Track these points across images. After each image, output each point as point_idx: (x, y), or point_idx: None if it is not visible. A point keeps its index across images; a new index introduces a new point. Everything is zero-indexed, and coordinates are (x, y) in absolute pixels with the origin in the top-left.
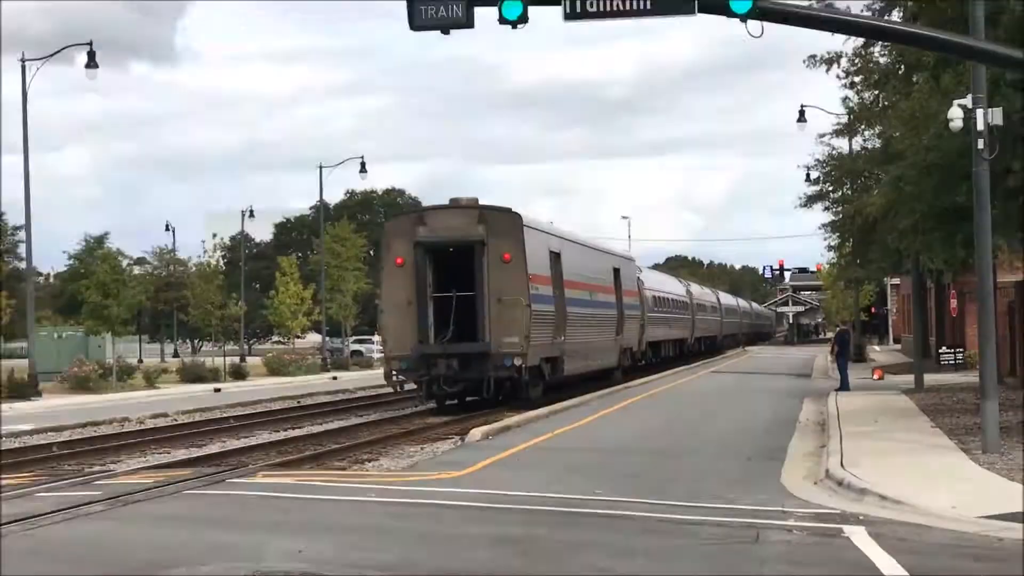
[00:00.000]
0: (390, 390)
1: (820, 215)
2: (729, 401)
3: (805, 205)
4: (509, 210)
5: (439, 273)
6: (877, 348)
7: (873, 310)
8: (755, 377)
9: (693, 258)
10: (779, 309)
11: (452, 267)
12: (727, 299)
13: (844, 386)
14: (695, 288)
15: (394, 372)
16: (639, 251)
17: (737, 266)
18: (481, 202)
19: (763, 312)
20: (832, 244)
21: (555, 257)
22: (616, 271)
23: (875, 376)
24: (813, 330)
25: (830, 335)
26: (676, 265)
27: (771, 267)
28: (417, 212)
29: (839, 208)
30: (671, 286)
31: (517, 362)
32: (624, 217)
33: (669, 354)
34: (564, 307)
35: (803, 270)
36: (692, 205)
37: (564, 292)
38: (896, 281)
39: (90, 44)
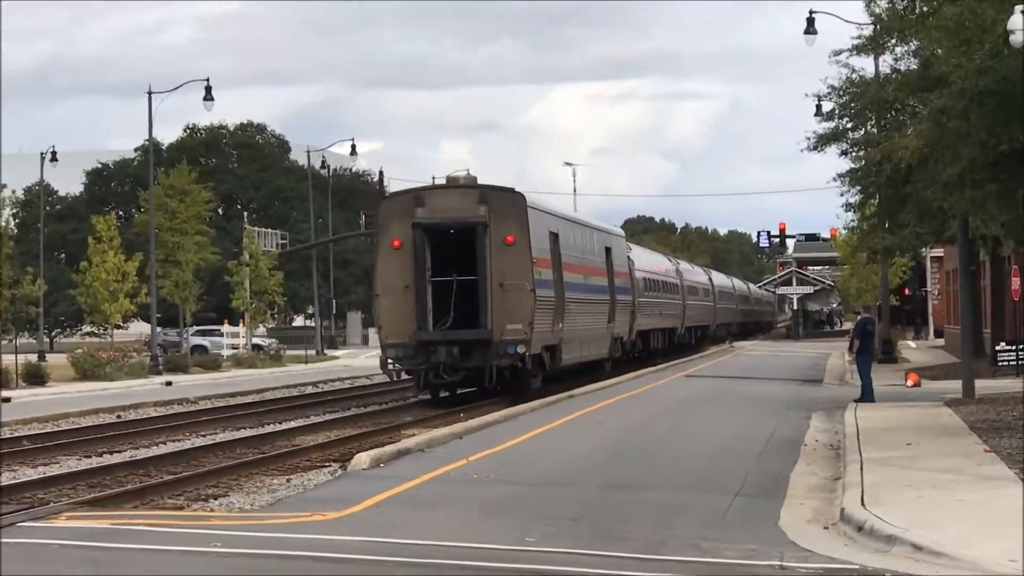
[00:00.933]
0: (245, 400)
1: (835, 162)
2: (714, 412)
3: (815, 148)
4: (512, 190)
5: (438, 256)
6: (912, 344)
7: (906, 291)
8: (747, 382)
9: (663, 220)
10: (779, 290)
11: (452, 250)
12: (721, 280)
13: (866, 395)
14: (685, 266)
15: (390, 360)
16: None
17: (722, 231)
18: (481, 181)
19: (763, 296)
20: (851, 202)
21: (554, 238)
22: (607, 251)
23: (909, 382)
24: (825, 319)
25: (848, 326)
26: (639, 230)
27: (768, 233)
28: (414, 192)
29: (861, 152)
30: (661, 265)
31: (520, 350)
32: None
33: (658, 346)
34: (563, 292)
35: (811, 237)
36: (661, 148)
37: (563, 276)
38: (938, 252)
39: None
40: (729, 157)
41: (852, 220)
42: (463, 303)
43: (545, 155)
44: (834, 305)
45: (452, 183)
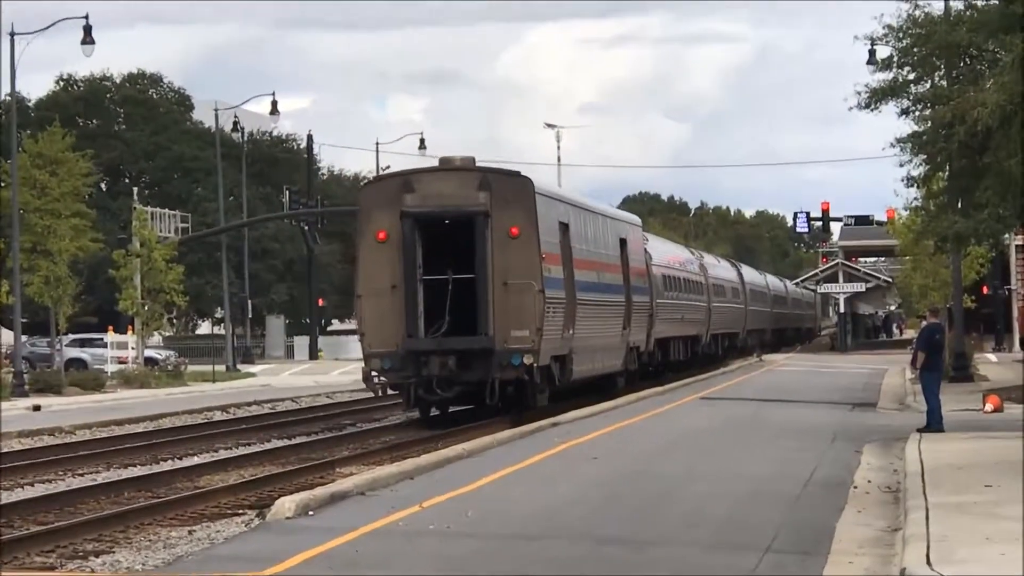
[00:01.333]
0: (135, 430)
1: (893, 123)
2: (738, 446)
3: (867, 106)
4: (518, 174)
5: (431, 251)
6: (992, 357)
7: (985, 290)
8: (781, 407)
9: (673, 198)
10: (821, 288)
11: (447, 243)
12: (752, 276)
13: (934, 423)
14: (709, 260)
15: (374, 373)
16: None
17: (748, 212)
18: (479, 163)
19: (803, 296)
20: (914, 175)
21: (564, 229)
22: (622, 243)
23: (988, 406)
24: (881, 325)
25: (910, 335)
26: (643, 210)
27: (807, 215)
28: (402, 175)
29: (926, 111)
30: (682, 259)
31: (527, 360)
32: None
33: (679, 357)
34: (574, 293)
35: (863, 220)
36: (670, 105)
37: (574, 274)
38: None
39: None
40: (757, 118)
41: (915, 198)
42: (460, 306)
43: (521, 114)
44: (892, 307)
45: (447, 165)
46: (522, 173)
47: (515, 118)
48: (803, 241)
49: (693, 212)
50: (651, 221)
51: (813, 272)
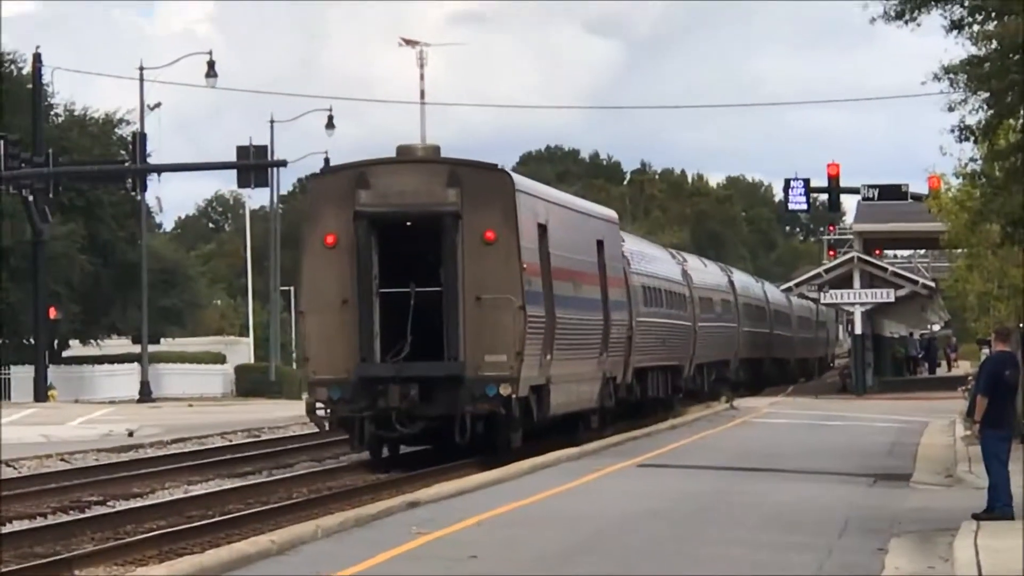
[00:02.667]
0: None
1: (938, 43)
2: (689, 548)
3: (900, 16)
4: (495, 167)
5: (390, 259)
6: None
7: None
8: (763, 481)
9: (597, 155)
10: (826, 297)
11: (409, 250)
12: (745, 282)
13: (999, 505)
14: (693, 264)
15: (319, 404)
16: (452, 133)
17: (715, 179)
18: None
19: (808, 312)
20: (970, 123)
21: (542, 232)
22: (599, 245)
23: None
24: (919, 354)
25: (964, 369)
26: (551, 174)
27: (804, 184)
28: (356, 167)
29: (990, 23)
30: (662, 263)
31: (504, 391)
32: (409, 43)
33: (658, 392)
34: (554, 310)
35: (891, 192)
36: (590, 13)
37: (553, 286)
38: None
39: None
40: (726, 33)
41: (972, 159)
42: (424, 325)
43: (361, 26)
44: (937, 327)
45: (408, 156)
46: (500, 166)
47: (352, 31)
48: (800, 224)
49: (629, 178)
50: (565, 188)
51: (813, 272)
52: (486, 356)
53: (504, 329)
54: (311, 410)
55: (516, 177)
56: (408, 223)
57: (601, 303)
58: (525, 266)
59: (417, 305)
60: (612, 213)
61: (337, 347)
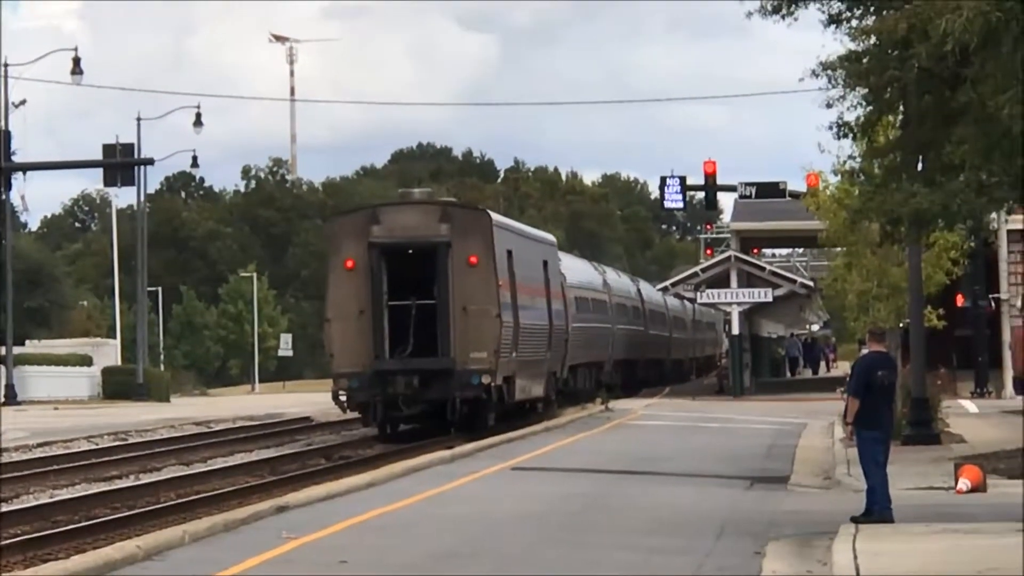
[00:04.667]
0: None
1: (816, 38)
2: (567, 546)
3: (776, 10)
4: (476, 207)
5: (395, 278)
6: (969, 404)
7: (959, 301)
8: (641, 483)
9: (470, 153)
10: (702, 297)
11: (411, 271)
12: (650, 292)
13: (877, 509)
14: (611, 276)
15: (341, 392)
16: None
17: (590, 176)
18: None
19: (703, 316)
20: (848, 119)
21: (509, 256)
22: (544, 264)
23: (962, 482)
24: (798, 354)
25: (843, 369)
26: (424, 171)
27: (680, 181)
28: (369, 208)
29: (868, 20)
30: (589, 277)
31: (485, 380)
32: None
33: (585, 385)
34: (518, 317)
35: (769, 190)
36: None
37: (518, 299)
38: (1021, 224)
39: None
40: (600, 27)
41: (851, 157)
42: (423, 329)
43: (232, 21)
44: (815, 326)
45: (410, 199)
46: (480, 207)
47: (223, 26)
48: (676, 223)
49: (503, 176)
50: (437, 187)
51: (690, 271)
52: (471, 353)
53: (485, 332)
54: (335, 395)
55: (493, 215)
56: (410, 251)
57: (547, 311)
58: (500, 283)
59: (417, 314)
60: (552, 238)
61: (355, 347)
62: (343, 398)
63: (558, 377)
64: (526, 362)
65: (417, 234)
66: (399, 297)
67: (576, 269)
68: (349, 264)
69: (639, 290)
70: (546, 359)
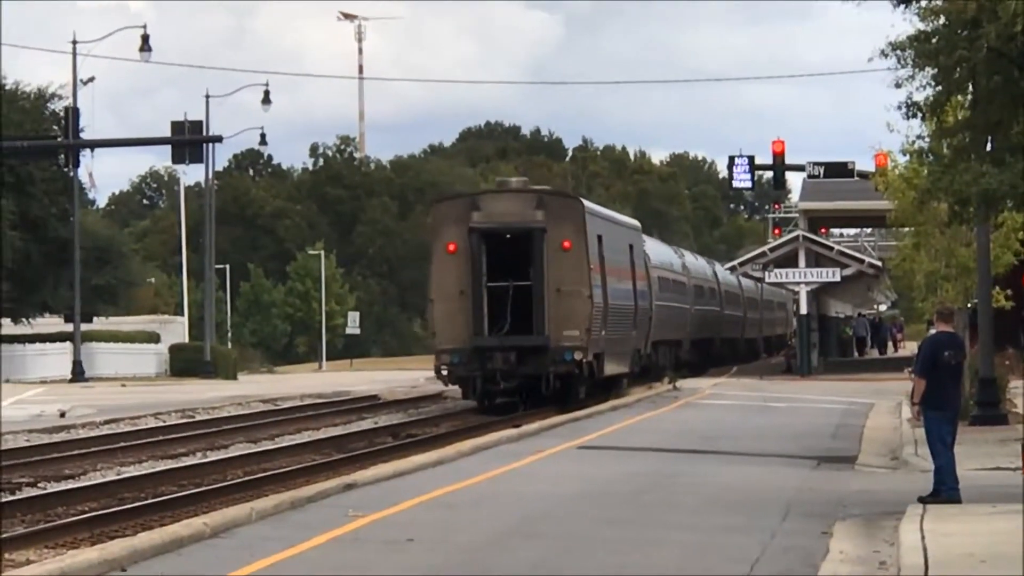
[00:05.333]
0: None
1: (885, 18)
2: (627, 533)
3: None
4: (569, 194)
5: (493, 261)
6: None
7: None
8: (705, 463)
9: (538, 132)
10: (770, 276)
11: (508, 255)
12: (725, 274)
13: (944, 489)
14: (689, 259)
15: (444, 367)
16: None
17: (658, 156)
18: (535, 186)
19: (774, 296)
20: (917, 99)
21: (599, 241)
22: (630, 248)
23: None
24: (866, 334)
25: (911, 349)
26: (491, 151)
27: (748, 161)
28: (469, 196)
29: (931, 3)
30: (670, 260)
31: (577, 356)
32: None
33: (667, 362)
34: (607, 298)
35: (837, 170)
36: None
37: (607, 281)
38: None
39: None
40: (665, 7)
41: (919, 137)
42: (519, 309)
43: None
44: (882, 306)
45: (507, 187)
46: (572, 194)
47: (288, 4)
48: (744, 202)
49: (571, 155)
50: (503, 167)
51: (758, 251)
52: (564, 331)
53: (577, 312)
54: (438, 370)
55: (585, 202)
56: (508, 235)
57: (633, 292)
58: (591, 266)
59: (514, 295)
60: (637, 223)
61: (457, 325)
62: (445, 373)
63: (642, 354)
64: (614, 340)
65: (514, 220)
66: (497, 279)
67: (658, 252)
68: (451, 248)
69: (715, 272)
70: (631, 337)
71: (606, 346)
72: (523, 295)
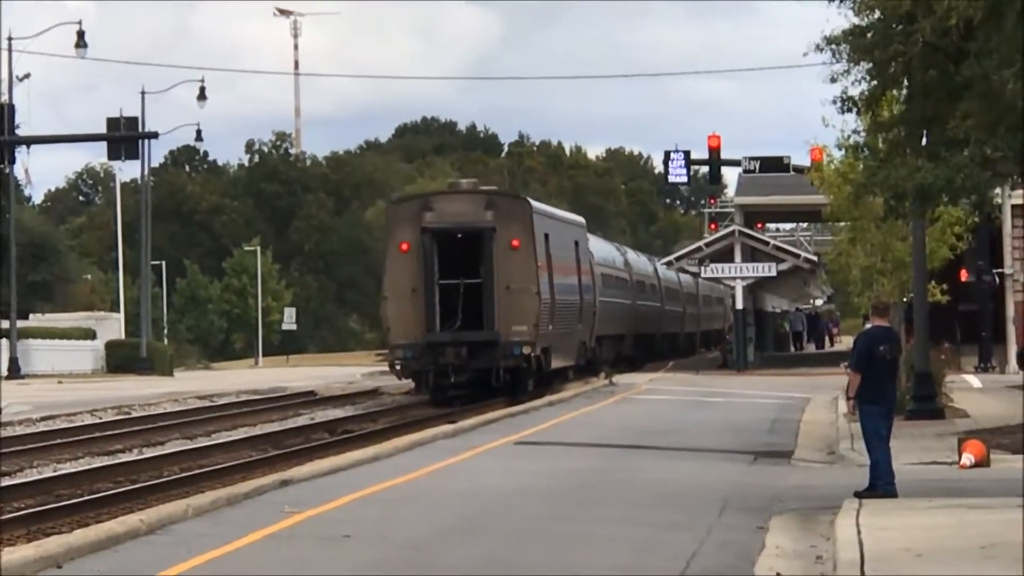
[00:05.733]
0: None
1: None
2: (565, 529)
3: None
4: (517, 195)
5: (445, 260)
6: (973, 379)
7: (963, 276)
8: (644, 458)
9: (474, 127)
10: (706, 271)
11: (459, 254)
12: (665, 271)
13: (880, 484)
14: (631, 256)
15: (397, 361)
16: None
17: (593, 152)
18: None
19: (712, 290)
20: (852, 94)
21: (546, 239)
22: (576, 245)
23: (966, 457)
24: (802, 329)
25: (847, 342)
26: (428, 145)
27: (684, 156)
28: (422, 197)
29: None
30: (612, 256)
31: (526, 351)
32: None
33: (609, 355)
34: (553, 294)
35: (773, 164)
36: None
37: (553, 278)
38: None
39: None
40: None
41: (855, 131)
42: (470, 305)
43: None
44: (819, 301)
45: (459, 189)
46: (521, 195)
47: (226, 4)
48: (681, 197)
49: (507, 150)
50: (439, 162)
51: (694, 246)
52: (513, 327)
53: (526, 308)
54: (392, 365)
55: (532, 202)
56: (459, 235)
57: (578, 288)
58: (539, 264)
59: (465, 292)
60: (582, 220)
61: (409, 321)
62: (398, 367)
63: (587, 347)
64: (561, 334)
65: (465, 220)
66: (449, 277)
67: (600, 249)
68: (404, 247)
69: (655, 268)
70: (577, 331)
71: (553, 340)
72: (474, 292)
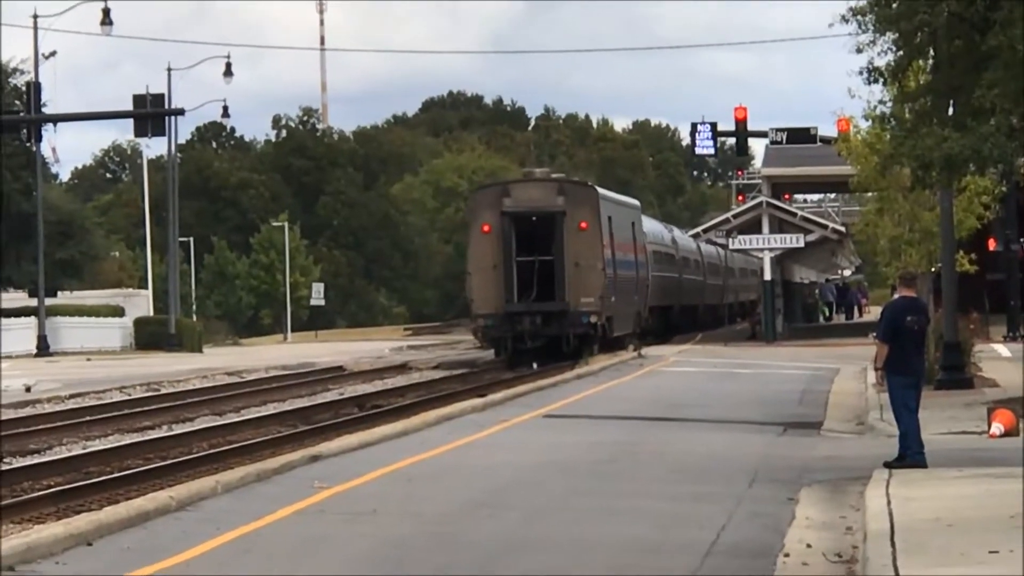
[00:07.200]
0: None
1: None
2: (595, 500)
3: None
4: (586, 183)
5: (521, 240)
6: (1002, 348)
7: (992, 245)
8: (672, 430)
9: (500, 101)
10: (734, 243)
11: (533, 235)
12: (707, 247)
13: (910, 454)
14: (677, 234)
15: (479, 330)
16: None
17: (619, 125)
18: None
19: (746, 263)
20: (878, 64)
21: (609, 221)
22: (633, 225)
23: (995, 427)
24: (835, 299)
25: (876, 313)
26: (453, 120)
27: (711, 128)
28: (501, 184)
29: None
30: (660, 234)
31: (593, 319)
32: None
33: (659, 325)
34: (616, 270)
35: (799, 135)
36: None
37: (615, 255)
38: None
39: None
40: None
41: (881, 102)
42: (544, 280)
43: None
44: (847, 271)
45: (533, 177)
46: (588, 183)
47: None
48: (708, 169)
49: (534, 124)
50: (466, 136)
51: (722, 218)
52: (582, 298)
53: (593, 282)
54: (474, 332)
55: (598, 189)
56: (534, 218)
57: (635, 264)
58: (603, 244)
59: (539, 268)
60: (637, 203)
61: (491, 294)
62: (480, 335)
63: (642, 317)
64: (621, 305)
65: (539, 205)
66: (524, 254)
67: (652, 228)
68: (486, 228)
69: (698, 246)
70: (635, 302)
71: (615, 310)
72: (547, 268)
